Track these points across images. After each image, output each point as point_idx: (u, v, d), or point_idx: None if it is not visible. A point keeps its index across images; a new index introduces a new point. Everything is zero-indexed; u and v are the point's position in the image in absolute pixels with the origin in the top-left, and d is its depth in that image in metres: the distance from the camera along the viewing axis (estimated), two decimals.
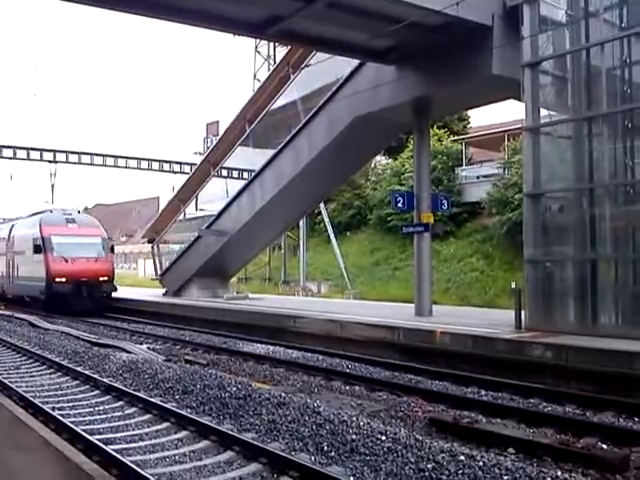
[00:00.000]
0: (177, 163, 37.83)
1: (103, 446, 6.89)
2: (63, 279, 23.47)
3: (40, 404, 9.00)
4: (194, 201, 29.02)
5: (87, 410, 9.19)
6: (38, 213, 28.11)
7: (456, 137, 33.56)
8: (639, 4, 12.60)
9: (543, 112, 13.30)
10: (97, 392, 10.29)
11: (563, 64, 13.32)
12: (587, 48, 12.79)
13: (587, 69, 12.78)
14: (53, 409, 8.83)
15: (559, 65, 13.42)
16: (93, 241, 25.44)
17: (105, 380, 10.73)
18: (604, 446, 7.18)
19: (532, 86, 13.14)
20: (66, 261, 23.88)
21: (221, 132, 30.25)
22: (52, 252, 24.08)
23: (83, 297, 23.68)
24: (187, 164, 37.15)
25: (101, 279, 24.38)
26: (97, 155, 34.70)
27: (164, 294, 27.13)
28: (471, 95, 16.14)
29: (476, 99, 17.20)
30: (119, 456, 6.54)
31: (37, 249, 24.61)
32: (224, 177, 29.12)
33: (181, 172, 36.96)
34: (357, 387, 10.57)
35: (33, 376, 11.93)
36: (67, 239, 24.75)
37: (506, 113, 30.49)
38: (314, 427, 7.46)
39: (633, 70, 12.38)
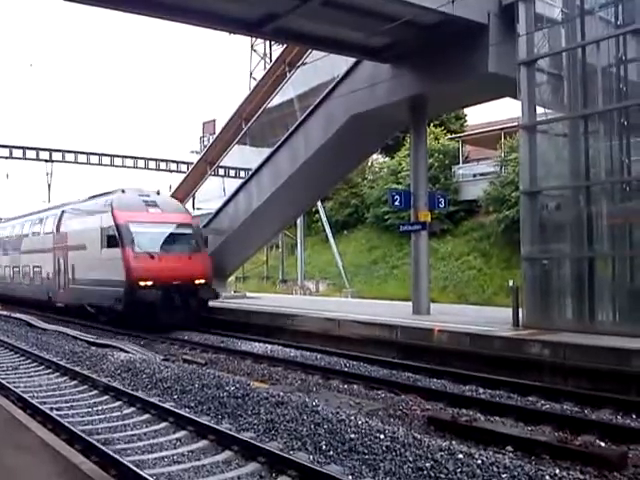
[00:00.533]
0: (173, 162, 37.86)
1: (101, 446, 6.89)
2: (149, 282, 17.19)
3: (38, 404, 8.99)
4: (191, 200, 29.04)
5: (85, 410, 9.20)
6: (101, 195, 21.28)
7: (453, 135, 33.59)
8: (634, 2, 12.60)
9: (539, 110, 13.32)
10: (95, 392, 10.29)
11: (559, 62, 13.33)
12: (583, 46, 12.81)
13: (583, 67, 12.80)
14: (51, 409, 8.83)
15: (555, 63, 13.43)
16: (183, 231, 19.33)
17: (103, 380, 10.74)
18: (602, 444, 7.20)
19: (528, 84, 13.15)
20: (152, 258, 17.62)
21: (218, 131, 30.29)
22: (132, 246, 17.69)
23: (175, 307, 17.49)
24: (184, 163, 37.20)
25: (197, 282, 18.16)
26: (93, 154, 34.72)
27: None
28: (467, 93, 16.15)
29: (472, 97, 17.22)
30: (117, 456, 6.55)
31: (110, 242, 18.16)
32: (221, 176, 29.15)
33: (178, 171, 36.99)
34: (355, 386, 10.58)
35: (31, 376, 11.92)
36: (150, 228, 18.49)
37: (502, 111, 30.57)
38: (312, 426, 7.47)
39: (628, 68, 12.41)
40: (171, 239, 18.86)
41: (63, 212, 22.62)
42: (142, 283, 17.17)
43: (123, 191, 20.06)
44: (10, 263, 27.59)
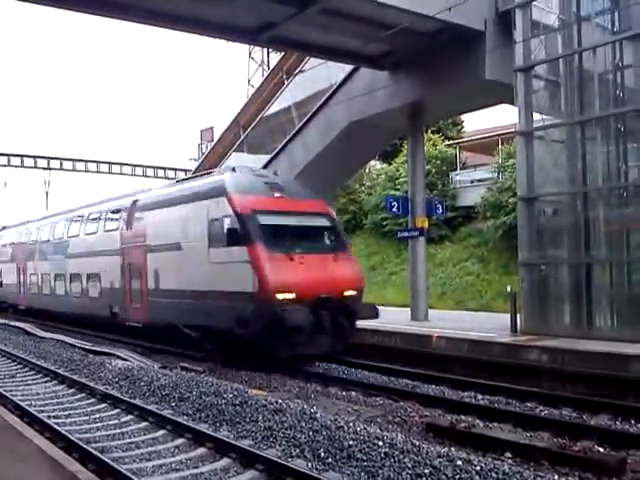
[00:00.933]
0: (172, 169, 37.93)
1: (99, 454, 6.87)
2: (291, 295, 12.03)
3: (35, 412, 8.96)
4: None
5: (83, 418, 9.17)
6: (193, 178, 16.55)
7: (450, 141, 33.66)
8: (630, 8, 12.67)
9: (536, 116, 13.37)
10: (93, 400, 10.26)
11: (556, 68, 13.40)
12: (579, 52, 12.88)
13: (579, 73, 12.86)
14: (49, 417, 8.80)
15: (552, 69, 13.50)
16: (322, 223, 14.14)
17: (101, 388, 10.70)
18: (601, 449, 7.19)
19: (525, 90, 13.21)
20: (291, 260, 12.45)
21: (216, 138, 30.31)
22: (264, 244, 12.43)
23: (325, 329, 12.32)
24: (181, 170, 37.25)
25: (347, 294, 12.92)
26: (91, 162, 34.77)
27: None
28: (465, 100, 16.22)
29: (470, 103, 17.29)
30: (115, 464, 6.52)
31: (231, 238, 12.68)
32: None
33: (175, 178, 37.00)
34: (354, 393, 10.56)
35: (29, 384, 11.88)
36: (281, 219, 13.38)
37: (500, 117, 30.65)
38: (311, 433, 7.44)
39: (625, 74, 12.47)
40: (310, 234, 13.80)
41: (136, 202, 16.93)
42: (281, 296, 11.94)
43: (234, 169, 14.73)
44: (50, 270, 22.48)
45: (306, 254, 12.85)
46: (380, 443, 6.89)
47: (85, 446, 7.19)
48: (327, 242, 14.09)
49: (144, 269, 15.83)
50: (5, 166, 32.90)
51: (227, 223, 13.00)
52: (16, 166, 33.28)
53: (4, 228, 29.47)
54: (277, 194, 13.68)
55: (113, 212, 18.26)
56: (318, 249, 13.55)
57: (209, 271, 13.40)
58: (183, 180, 16.66)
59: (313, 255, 13.05)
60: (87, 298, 19.24)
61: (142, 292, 15.92)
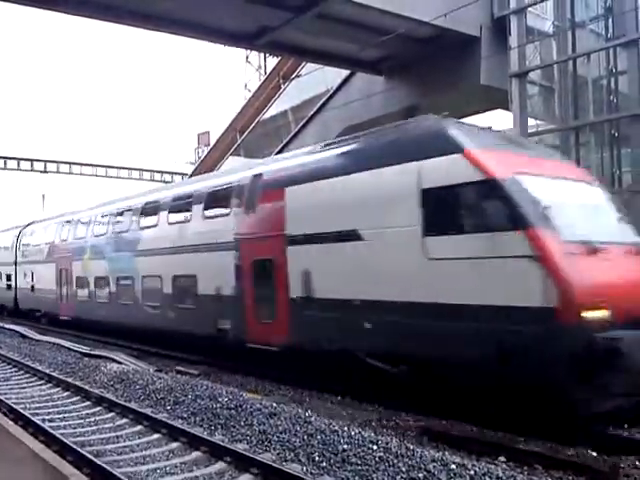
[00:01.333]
0: (168, 173, 37.93)
1: (93, 458, 6.85)
2: (604, 313, 7.29)
3: (30, 416, 8.93)
4: None
5: (78, 422, 9.14)
6: (359, 135, 11.10)
7: None
8: (624, 15, 12.76)
9: (531, 121, 13.45)
10: (88, 403, 10.24)
11: (550, 74, 13.51)
12: (574, 58, 12.96)
13: (574, 79, 12.95)
14: (43, 421, 8.78)
15: (546, 75, 13.60)
16: (603, 198, 9.57)
17: (96, 391, 10.68)
18: (594, 454, 7.20)
19: (520, 96, 13.29)
20: (592, 254, 7.72)
21: (212, 142, 30.37)
22: (552, 229, 7.71)
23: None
24: (178, 174, 37.25)
25: None
26: (87, 165, 34.77)
27: None
28: (460, 104, 16.28)
29: (465, 108, 17.32)
30: (109, 468, 6.50)
31: (485, 219, 8.26)
32: None
33: (172, 182, 36.98)
34: (348, 397, 10.54)
35: (23, 388, 11.85)
36: (556, 191, 8.63)
37: (495, 123, 30.71)
38: (305, 437, 7.44)
39: (619, 80, 12.56)
40: (598, 214, 9.13)
41: (259, 176, 12.34)
42: (590, 315, 7.35)
43: (462, 122, 10.54)
44: (110, 272, 17.71)
45: (608, 246, 8.22)
46: (375, 447, 6.90)
47: (79, 449, 7.17)
48: (621, 227, 9.21)
49: (282, 269, 11.27)
50: (2, 169, 32.93)
51: (471, 194, 8.45)
52: (12, 169, 33.32)
53: (32, 223, 25.57)
54: (530, 152, 9.47)
55: (218, 192, 13.60)
56: (617, 238, 8.72)
57: (427, 272, 8.83)
58: (339, 143, 11.30)
59: (616, 247, 8.40)
60: (172, 309, 14.68)
61: (279, 302, 11.42)
